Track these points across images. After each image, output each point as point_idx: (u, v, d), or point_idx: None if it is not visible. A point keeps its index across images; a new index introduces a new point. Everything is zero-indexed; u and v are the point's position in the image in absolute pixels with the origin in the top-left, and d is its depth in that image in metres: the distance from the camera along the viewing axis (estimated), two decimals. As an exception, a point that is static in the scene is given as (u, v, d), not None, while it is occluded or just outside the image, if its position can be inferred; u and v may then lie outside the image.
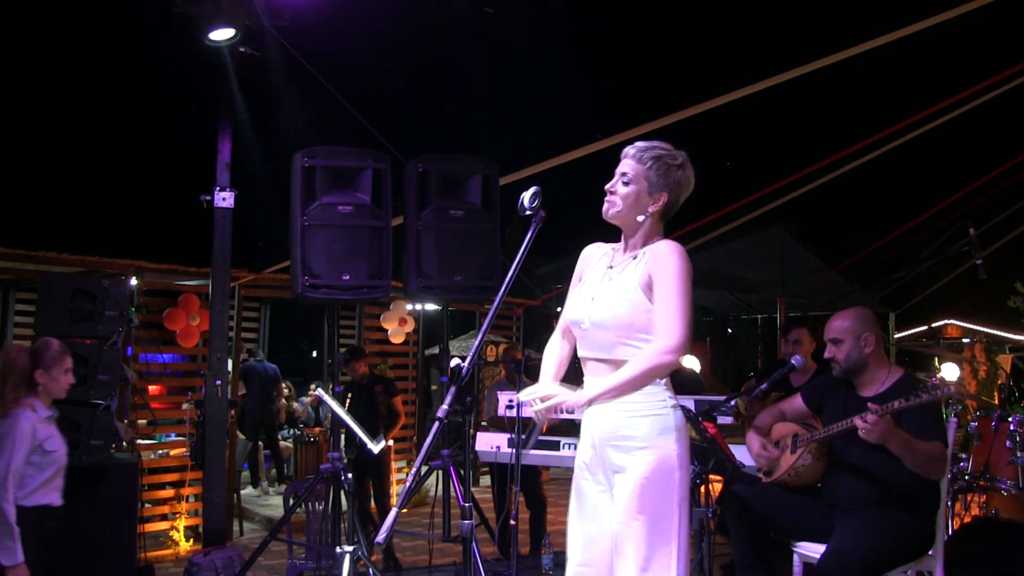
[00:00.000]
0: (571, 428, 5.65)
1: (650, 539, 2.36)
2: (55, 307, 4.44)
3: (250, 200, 5.28)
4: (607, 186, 2.54)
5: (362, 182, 4.73)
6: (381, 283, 4.71)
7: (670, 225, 2.61)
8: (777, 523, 3.60)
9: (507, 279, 2.50)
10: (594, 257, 2.67)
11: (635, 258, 2.51)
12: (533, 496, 5.66)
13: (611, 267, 2.57)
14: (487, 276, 4.91)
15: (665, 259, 2.43)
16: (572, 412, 2.57)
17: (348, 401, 6.26)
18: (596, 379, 2.48)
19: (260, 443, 9.20)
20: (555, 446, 4.75)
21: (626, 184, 2.51)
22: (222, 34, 5.09)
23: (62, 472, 3.63)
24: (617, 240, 2.65)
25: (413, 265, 4.82)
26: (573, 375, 2.64)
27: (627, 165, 2.52)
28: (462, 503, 2.36)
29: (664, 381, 2.47)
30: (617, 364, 2.44)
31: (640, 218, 2.52)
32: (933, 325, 14.17)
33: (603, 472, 2.49)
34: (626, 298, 2.44)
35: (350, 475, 4.67)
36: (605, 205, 2.54)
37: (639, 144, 2.55)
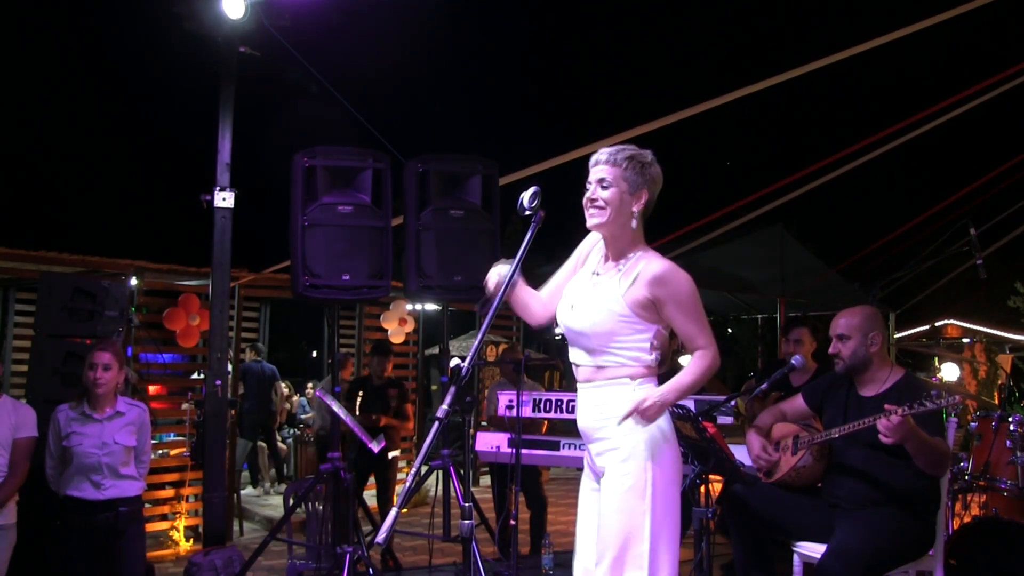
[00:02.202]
0: (571, 428, 5.65)
1: (622, 539, 2.37)
2: (55, 307, 4.44)
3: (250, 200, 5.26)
4: (586, 196, 2.49)
5: (362, 182, 4.73)
6: (381, 283, 4.72)
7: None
8: (777, 523, 3.60)
9: (507, 279, 2.50)
10: (592, 252, 2.66)
11: (619, 270, 2.50)
12: (534, 496, 5.66)
13: (596, 274, 2.57)
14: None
15: (670, 284, 2.44)
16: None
17: (360, 398, 6.23)
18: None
19: (261, 443, 9.20)
20: (555, 446, 4.75)
21: (606, 188, 2.47)
22: (233, 4, 4.99)
23: (92, 471, 3.86)
24: None
25: (413, 265, 4.82)
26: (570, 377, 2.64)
27: (602, 171, 2.48)
28: (462, 503, 2.36)
29: (638, 381, 2.48)
30: (600, 368, 2.48)
31: (625, 222, 2.49)
32: (933, 325, 14.17)
33: (593, 472, 2.56)
34: (607, 308, 2.46)
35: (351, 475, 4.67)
36: (591, 216, 2.49)
37: (607, 149, 2.51)
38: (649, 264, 2.47)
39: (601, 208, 2.47)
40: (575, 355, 2.56)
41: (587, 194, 2.50)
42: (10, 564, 3.84)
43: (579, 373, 2.56)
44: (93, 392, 3.92)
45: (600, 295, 2.49)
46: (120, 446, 3.92)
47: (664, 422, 2.48)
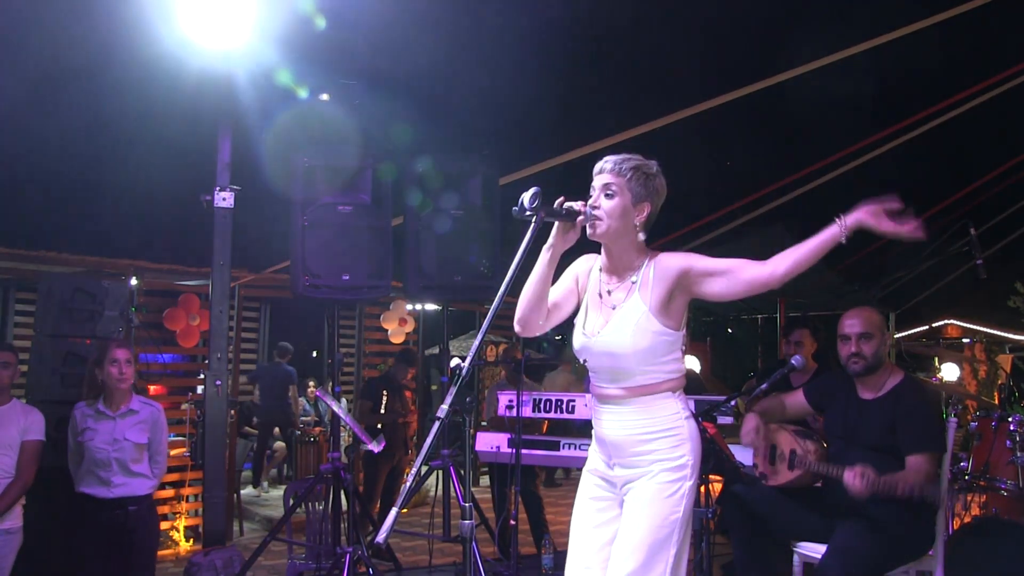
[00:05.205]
0: (571, 428, 5.65)
1: (652, 543, 2.36)
2: (55, 307, 4.45)
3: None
4: (589, 203, 2.45)
5: (362, 182, 4.73)
6: (381, 283, 4.72)
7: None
8: (777, 523, 3.60)
9: (507, 279, 2.49)
10: (591, 274, 2.60)
11: (634, 282, 2.47)
12: (528, 495, 5.63)
13: (609, 292, 2.51)
14: (488, 276, 4.91)
15: (676, 256, 2.47)
16: None
17: (384, 399, 6.62)
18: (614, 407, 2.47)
19: (280, 443, 9.26)
20: (555, 446, 4.75)
21: (610, 197, 2.43)
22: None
23: (102, 467, 3.93)
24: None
25: (413, 265, 4.82)
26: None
27: (607, 178, 2.45)
28: (462, 503, 2.36)
29: (679, 391, 2.48)
30: (640, 387, 2.43)
31: (627, 233, 2.46)
32: (933, 325, 14.15)
33: (613, 483, 2.51)
34: (641, 327, 2.41)
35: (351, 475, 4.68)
36: (590, 224, 2.44)
37: (612, 157, 2.48)
38: (654, 262, 2.46)
39: (601, 217, 2.43)
40: (603, 379, 2.49)
41: (590, 201, 2.46)
42: (18, 562, 3.86)
43: (609, 392, 2.48)
44: (115, 388, 3.97)
45: (628, 315, 2.43)
46: (130, 443, 3.98)
47: (693, 427, 2.49)
